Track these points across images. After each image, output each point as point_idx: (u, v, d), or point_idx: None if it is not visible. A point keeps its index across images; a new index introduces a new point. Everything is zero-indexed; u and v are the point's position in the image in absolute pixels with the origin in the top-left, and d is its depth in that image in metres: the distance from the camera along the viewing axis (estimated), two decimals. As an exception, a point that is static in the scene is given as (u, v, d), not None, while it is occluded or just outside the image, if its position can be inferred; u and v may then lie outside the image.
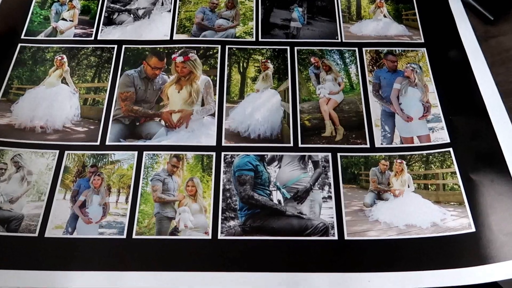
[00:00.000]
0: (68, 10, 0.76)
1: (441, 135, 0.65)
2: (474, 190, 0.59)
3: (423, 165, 0.63)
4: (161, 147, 0.63)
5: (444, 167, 0.62)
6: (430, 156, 0.63)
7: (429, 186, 0.61)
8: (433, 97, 0.68)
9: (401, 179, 0.62)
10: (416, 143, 0.64)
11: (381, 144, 0.64)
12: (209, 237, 0.57)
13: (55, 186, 0.60)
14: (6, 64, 0.70)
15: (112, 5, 0.77)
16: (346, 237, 0.57)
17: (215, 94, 0.68)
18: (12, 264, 0.54)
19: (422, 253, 0.56)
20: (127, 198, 0.60)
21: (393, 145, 0.64)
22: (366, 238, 0.57)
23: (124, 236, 0.57)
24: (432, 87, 0.69)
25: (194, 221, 0.58)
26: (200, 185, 0.61)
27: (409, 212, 0.59)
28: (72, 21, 0.75)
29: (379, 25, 0.75)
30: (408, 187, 0.61)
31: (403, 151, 0.64)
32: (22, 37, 0.73)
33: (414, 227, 0.58)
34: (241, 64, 0.71)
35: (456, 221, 0.58)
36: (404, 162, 0.63)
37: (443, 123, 0.65)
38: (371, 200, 0.60)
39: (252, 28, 0.74)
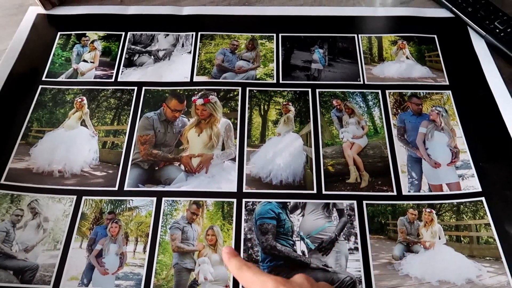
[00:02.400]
0: (89, 51, 0.76)
1: (472, 183, 0.62)
2: (511, 245, 0.56)
3: (454, 215, 0.60)
4: (180, 193, 0.62)
5: (477, 218, 0.59)
6: (461, 206, 0.60)
7: (462, 239, 0.58)
8: (461, 142, 0.66)
9: (431, 230, 0.59)
10: (446, 191, 0.62)
11: (409, 191, 0.61)
12: (230, 291, 0.54)
13: (72, 233, 0.58)
14: (26, 106, 0.69)
15: (132, 46, 0.77)
16: (375, 293, 0.53)
17: (235, 138, 0.66)
18: (24, 319, 0.52)
19: (457, 312, 0.52)
20: (145, 248, 0.58)
21: (421, 193, 0.61)
22: (396, 295, 0.53)
23: (141, 289, 0.54)
24: (459, 131, 0.67)
25: (214, 273, 0.56)
26: (220, 234, 0.58)
27: (442, 267, 0.56)
28: (93, 62, 0.75)
29: (402, 66, 0.74)
30: (439, 238, 0.58)
31: (432, 200, 0.61)
32: (43, 78, 0.73)
33: (447, 284, 0.54)
34: (262, 107, 0.70)
35: (493, 279, 0.54)
36: (434, 212, 0.60)
37: (473, 170, 0.63)
38: (400, 252, 0.57)
39: (272, 70, 0.74)
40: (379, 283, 0.54)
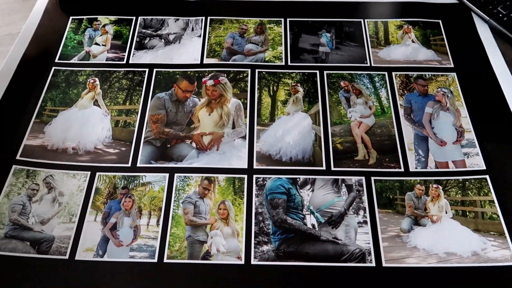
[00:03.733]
0: (101, 35, 0.78)
1: (477, 161, 0.63)
2: (515, 220, 0.57)
3: (459, 191, 0.61)
4: (192, 169, 0.63)
5: (482, 194, 0.60)
6: (467, 182, 0.62)
7: (467, 213, 0.60)
8: (466, 122, 0.67)
9: (438, 205, 0.60)
10: (452, 168, 0.63)
11: (416, 168, 0.63)
12: (242, 262, 0.55)
13: (86, 207, 0.60)
14: (40, 87, 0.71)
15: (143, 30, 0.79)
16: (384, 264, 0.55)
17: (245, 117, 0.68)
18: (42, 287, 0.53)
19: (463, 283, 0.53)
20: (158, 221, 0.59)
21: (428, 170, 0.63)
22: (405, 266, 0.55)
23: (155, 260, 0.55)
24: (464, 111, 0.68)
25: (226, 245, 0.57)
26: (232, 208, 0.60)
27: (449, 239, 0.57)
28: (104, 45, 0.77)
29: (407, 50, 0.76)
30: (446, 213, 0.60)
31: (439, 176, 0.62)
32: (56, 60, 0.74)
33: (454, 255, 0.56)
34: (271, 88, 0.71)
35: (497, 252, 0.55)
36: (440, 187, 0.61)
37: (477, 149, 0.64)
38: (408, 226, 0.58)
39: (281, 53, 0.75)
40: (388, 254, 0.56)
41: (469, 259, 0.55)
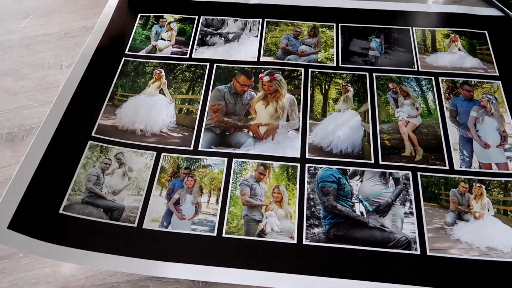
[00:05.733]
0: (166, 31, 0.85)
1: (520, 164, 0.66)
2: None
3: (501, 192, 0.64)
4: (249, 155, 0.68)
5: (525, 194, 0.63)
6: (509, 184, 0.65)
7: (509, 213, 0.62)
8: (510, 128, 0.70)
9: (481, 202, 0.63)
10: (494, 169, 0.66)
11: (460, 167, 0.66)
12: (295, 241, 0.60)
13: (152, 183, 0.66)
14: (112, 74, 0.78)
15: (205, 28, 0.85)
16: (428, 253, 0.58)
17: (299, 111, 0.73)
18: (112, 249, 0.59)
19: (503, 277, 0.56)
20: (217, 200, 0.64)
21: (472, 169, 0.66)
22: (448, 256, 0.58)
23: (215, 234, 0.61)
24: (508, 118, 0.71)
25: (280, 225, 0.62)
26: (285, 193, 0.65)
27: (490, 235, 0.60)
28: (170, 41, 0.84)
29: (454, 57, 0.80)
30: (488, 211, 0.63)
31: (482, 176, 0.65)
32: (126, 52, 0.82)
33: (495, 250, 0.59)
34: (323, 86, 0.76)
35: (538, 249, 0.58)
36: (483, 187, 0.64)
37: (521, 153, 0.67)
38: (452, 220, 0.62)
39: (333, 55, 0.80)
40: (432, 244, 0.59)
41: (509, 255, 0.58)
